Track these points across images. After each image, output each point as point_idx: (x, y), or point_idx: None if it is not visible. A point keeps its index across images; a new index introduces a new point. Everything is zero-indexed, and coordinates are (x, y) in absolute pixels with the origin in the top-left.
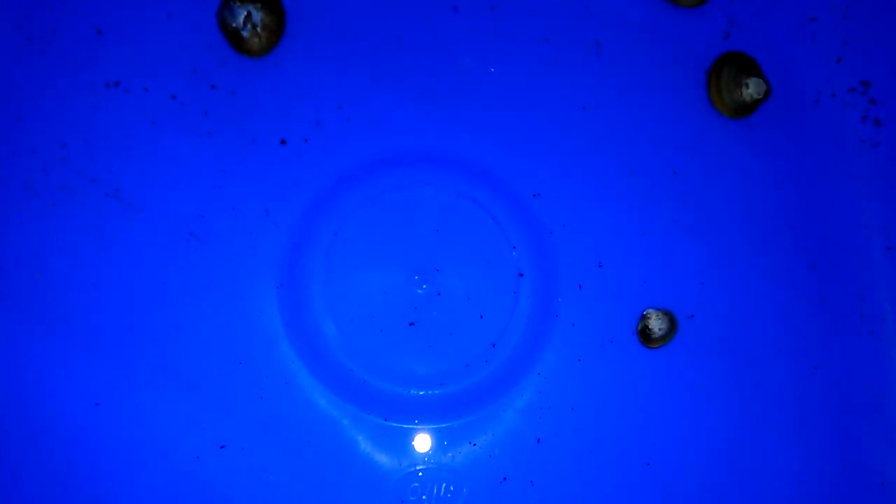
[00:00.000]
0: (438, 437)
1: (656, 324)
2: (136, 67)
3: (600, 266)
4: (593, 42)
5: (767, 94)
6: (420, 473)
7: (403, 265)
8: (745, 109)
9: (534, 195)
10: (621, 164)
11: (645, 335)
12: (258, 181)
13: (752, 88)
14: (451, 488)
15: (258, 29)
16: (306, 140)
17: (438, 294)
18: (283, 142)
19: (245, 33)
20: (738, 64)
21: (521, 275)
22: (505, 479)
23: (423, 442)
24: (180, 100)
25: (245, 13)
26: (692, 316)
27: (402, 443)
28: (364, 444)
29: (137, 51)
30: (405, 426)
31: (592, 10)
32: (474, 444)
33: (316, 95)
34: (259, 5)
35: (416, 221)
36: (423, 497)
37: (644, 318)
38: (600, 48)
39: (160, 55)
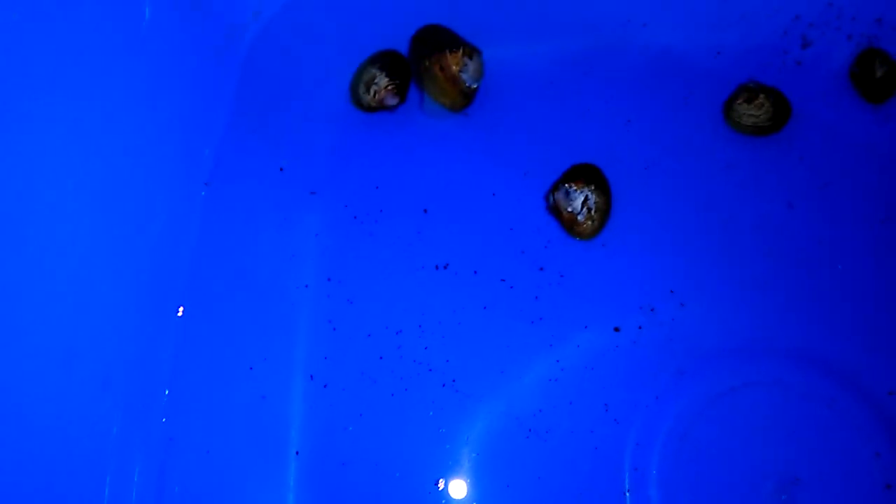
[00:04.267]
0: None
1: None
2: (464, 249)
3: None
4: None
5: None
6: None
7: (758, 472)
8: None
9: (889, 393)
10: None
11: None
12: (594, 373)
13: None
14: None
15: (593, 212)
16: (640, 328)
17: None
18: (616, 329)
19: (581, 217)
20: None
21: (889, 486)
22: None
23: None
24: (509, 283)
25: (583, 197)
26: None
27: None
28: None
29: (465, 231)
30: None
31: None
32: None
33: (646, 279)
34: (592, 187)
35: (768, 426)
36: None
37: None
38: None
39: (487, 236)
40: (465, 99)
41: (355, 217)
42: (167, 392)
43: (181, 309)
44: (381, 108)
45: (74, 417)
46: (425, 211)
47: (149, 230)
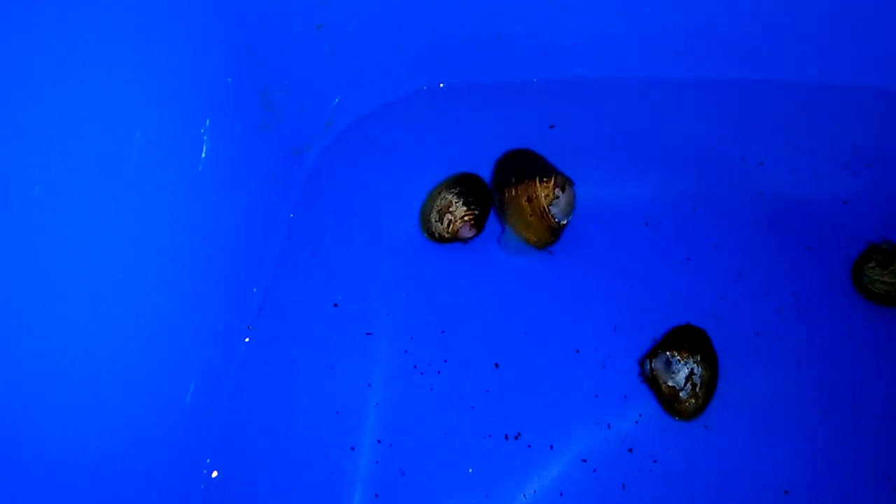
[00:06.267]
0: None
1: None
2: (539, 416)
3: None
4: None
5: None
6: None
7: None
8: None
9: None
10: None
11: None
12: None
13: None
14: None
15: (697, 388)
16: None
17: None
18: None
19: (684, 394)
20: None
21: None
22: None
23: None
24: (591, 464)
25: (688, 370)
26: None
27: None
28: None
29: (541, 394)
30: None
31: None
32: None
33: (756, 474)
34: (699, 358)
35: None
36: None
37: None
38: None
39: (568, 403)
40: (552, 235)
41: (415, 366)
42: None
43: (215, 472)
44: (454, 239)
45: None
46: (497, 365)
47: (181, 385)
